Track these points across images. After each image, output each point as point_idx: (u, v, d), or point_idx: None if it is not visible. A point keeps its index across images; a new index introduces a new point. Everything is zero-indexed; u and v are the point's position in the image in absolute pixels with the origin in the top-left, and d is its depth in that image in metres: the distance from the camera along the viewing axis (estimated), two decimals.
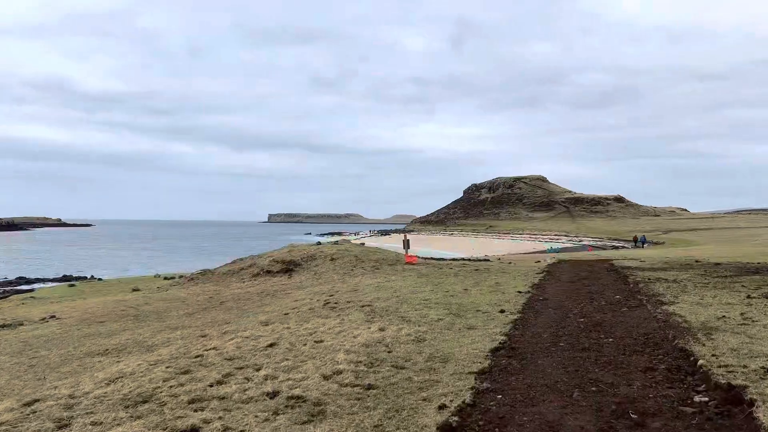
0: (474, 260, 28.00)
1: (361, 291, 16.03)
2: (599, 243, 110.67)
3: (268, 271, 23.19)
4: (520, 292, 14.64)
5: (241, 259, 28.16)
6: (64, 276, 47.27)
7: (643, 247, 62.05)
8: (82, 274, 48.59)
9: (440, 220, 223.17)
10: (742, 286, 13.92)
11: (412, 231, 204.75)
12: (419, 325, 10.29)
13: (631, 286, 14.75)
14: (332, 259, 23.53)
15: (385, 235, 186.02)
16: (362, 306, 12.73)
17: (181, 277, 27.75)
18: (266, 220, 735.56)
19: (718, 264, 20.99)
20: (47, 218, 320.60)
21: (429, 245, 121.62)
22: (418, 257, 29.71)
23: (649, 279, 15.94)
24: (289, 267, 23.25)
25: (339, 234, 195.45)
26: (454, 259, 29.17)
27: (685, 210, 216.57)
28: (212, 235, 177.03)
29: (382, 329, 9.94)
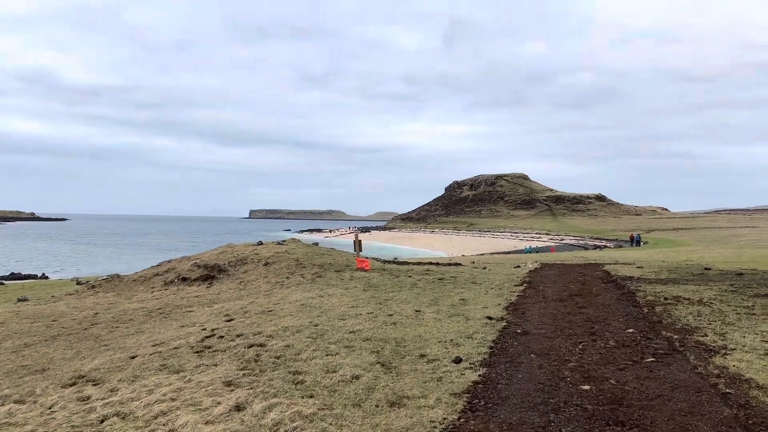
0: (443, 264, 23.79)
1: (276, 313, 11.70)
2: (580, 242, 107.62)
3: (184, 279, 18.72)
4: (490, 318, 10.41)
5: (169, 261, 23.63)
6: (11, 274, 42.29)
7: (639, 245, 60.23)
8: (32, 272, 43.72)
9: (422, 217, 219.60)
10: None
11: (393, 228, 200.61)
12: (310, 397, 6.01)
13: (645, 310, 10.57)
14: (266, 264, 19.13)
15: (365, 231, 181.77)
16: (249, 346, 8.40)
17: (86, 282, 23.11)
18: (247, 216, 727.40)
19: (740, 274, 16.97)
20: (20, 212, 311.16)
21: (406, 243, 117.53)
22: (380, 260, 25.45)
23: (665, 298, 11.79)
24: (210, 274, 18.80)
25: (318, 230, 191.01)
26: (420, 263, 24.97)
27: (666, 209, 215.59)
28: (186, 232, 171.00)
29: (238, 408, 5.64)
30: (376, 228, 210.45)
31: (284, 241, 24.83)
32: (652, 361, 7.03)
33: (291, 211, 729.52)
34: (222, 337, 9.36)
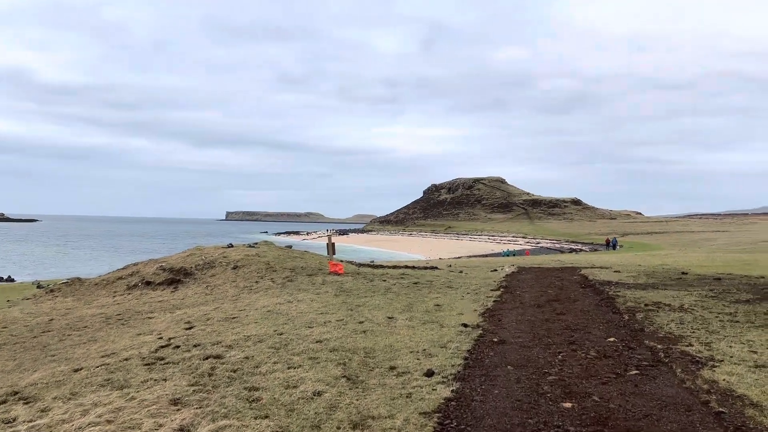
0: (419, 268, 23.28)
1: (240, 320, 11.05)
2: (556, 245, 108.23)
3: (149, 282, 17.91)
4: (465, 325, 9.89)
5: (135, 264, 22.73)
6: None
7: (615, 249, 60.67)
8: None
9: (399, 220, 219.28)
10: None
11: (371, 231, 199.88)
12: (265, 417, 5.41)
13: (625, 317, 10.17)
14: (235, 268, 18.41)
15: (343, 234, 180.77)
16: (205, 358, 7.76)
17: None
18: (224, 217, 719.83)
19: (718, 279, 16.76)
20: None
21: (384, 246, 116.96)
22: (355, 263, 24.86)
23: (645, 304, 11.42)
24: (176, 278, 18.02)
25: (296, 233, 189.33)
26: (395, 266, 24.41)
27: (640, 213, 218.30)
28: (160, 233, 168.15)
29: (180, 430, 5.01)
30: (354, 230, 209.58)
31: (256, 243, 24.09)
32: (636, 374, 6.57)
33: (268, 213, 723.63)
34: (178, 347, 8.69)
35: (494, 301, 12.88)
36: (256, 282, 16.97)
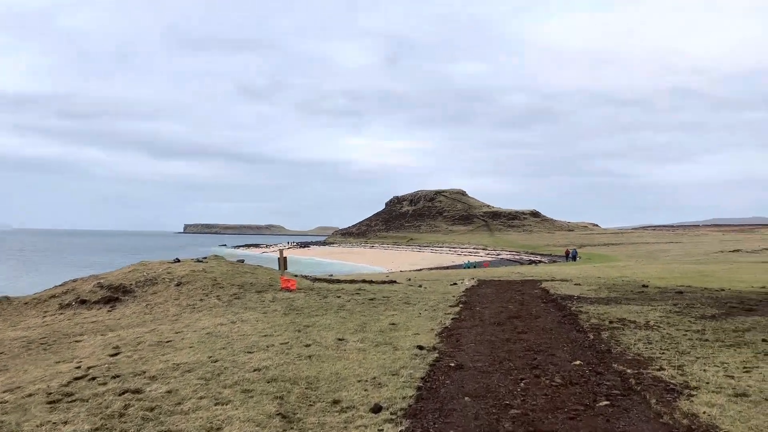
0: (377, 282, 22.46)
1: (174, 344, 10.01)
2: (516, 257, 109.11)
3: (83, 301, 16.55)
4: (420, 347, 9.10)
5: (74, 281, 21.20)
6: None
7: (575, 260, 61.28)
8: None
9: (361, 232, 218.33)
10: (755, 335, 9.08)
11: (333, 243, 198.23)
12: None
13: (590, 336, 9.56)
14: (179, 284, 17.22)
15: (304, 247, 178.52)
16: (121, 393, 6.75)
17: None
18: (182, 230, 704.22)
19: (680, 293, 16.47)
20: None
21: (345, 258, 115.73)
22: (310, 277, 23.87)
23: (610, 321, 10.86)
24: (114, 295, 16.72)
25: (255, 245, 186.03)
26: (353, 281, 23.52)
27: (597, 225, 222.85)
28: (112, 247, 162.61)
29: None
30: (316, 243, 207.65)
31: (205, 258, 22.85)
32: (606, 405, 5.89)
33: (228, 225, 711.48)
34: (94, 378, 7.62)
35: (453, 319, 12.15)
36: (201, 300, 15.85)
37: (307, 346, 9.46)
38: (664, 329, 9.85)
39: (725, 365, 7.17)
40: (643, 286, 19.61)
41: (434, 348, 9.05)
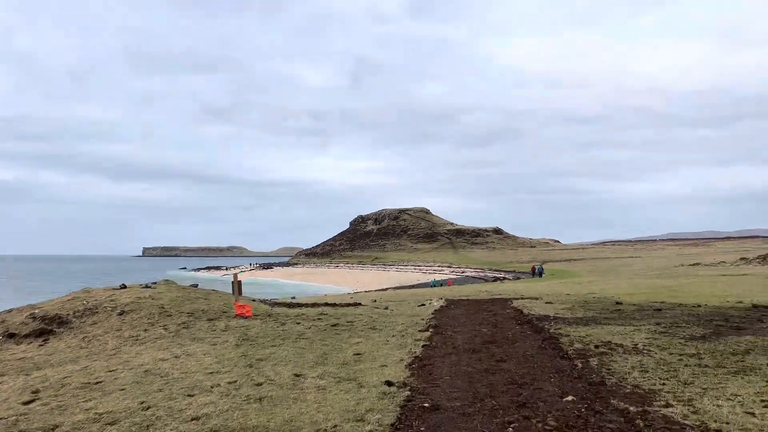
0: (341, 305, 21.22)
1: (103, 386, 8.63)
2: (480, 274, 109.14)
3: (12, 335, 14.84)
4: (389, 384, 7.96)
5: (8, 311, 19.29)
6: None
7: (541, 276, 61.18)
8: None
9: (326, 252, 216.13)
10: (756, 358, 8.26)
11: (297, 264, 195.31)
12: None
13: (578, 364, 8.58)
14: (122, 314, 15.65)
15: (267, 268, 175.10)
16: None
17: None
18: (141, 254, 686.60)
19: (658, 310, 15.77)
20: None
21: (309, 279, 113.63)
22: (269, 302, 22.48)
23: (595, 345, 9.92)
24: (48, 327, 15.05)
25: (216, 268, 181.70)
26: (315, 304, 22.22)
27: (558, 241, 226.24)
28: (63, 272, 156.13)
29: None
30: (279, 264, 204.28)
31: (155, 283, 21.23)
32: None
33: (188, 248, 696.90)
34: None
35: (423, 346, 11.05)
36: (145, 330, 14.35)
37: (259, 385, 8.21)
38: (656, 354, 8.96)
39: (739, 398, 6.27)
40: (617, 303, 18.94)
41: (405, 384, 7.91)
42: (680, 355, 8.80)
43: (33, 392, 8.77)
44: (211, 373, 9.12)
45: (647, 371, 7.81)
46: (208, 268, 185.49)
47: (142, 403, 7.44)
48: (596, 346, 9.77)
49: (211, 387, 8.15)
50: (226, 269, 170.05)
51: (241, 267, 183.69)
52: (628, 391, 6.88)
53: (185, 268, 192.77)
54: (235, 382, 8.43)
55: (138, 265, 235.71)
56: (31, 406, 7.80)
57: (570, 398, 6.77)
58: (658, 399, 6.44)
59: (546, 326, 12.75)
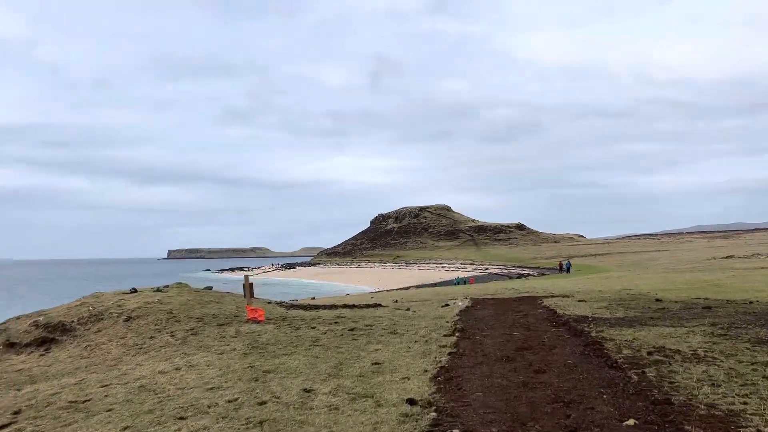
0: (360, 307, 20.15)
1: (90, 406, 7.67)
2: (504, 270, 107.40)
3: (13, 344, 14.06)
4: (412, 402, 6.85)
5: (17, 318, 18.61)
6: None
7: (569, 272, 59.64)
8: None
9: (347, 251, 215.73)
10: None
11: (319, 263, 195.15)
12: None
13: (632, 376, 7.35)
14: (128, 320, 14.78)
15: (289, 268, 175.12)
16: None
17: None
18: (166, 256, 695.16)
19: (708, 308, 14.38)
20: None
21: (330, 278, 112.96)
22: (285, 304, 21.50)
23: (648, 352, 8.68)
24: (50, 336, 14.24)
25: (239, 269, 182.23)
26: (333, 305, 21.17)
27: (582, 236, 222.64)
28: (90, 276, 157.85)
29: None
30: (301, 264, 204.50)
31: (167, 286, 20.39)
32: None
33: (212, 250, 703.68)
34: None
35: (450, 353, 9.91)
36: (151, 338, 13.44)
37: (262, 404, 7.16)
38: (723, 362, 7.70)
39: None
40: (657, 300, 17.56)
41: (430, 403, 6.78)
42: (752, 363, 7.54)
43: (14, 413, 7.85)
44: (211, 389, 8.10)
45: (719, 385, 6.58)
46: (231, 269, 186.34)
47: (125, 429, 6.44)
48: (649, 353, 8.53)
49: (208, 407, 7.12)
50: (249, 270, 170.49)
51: (263, 267, 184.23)
52: (702, 412, 5.66)
53: (209, 270, 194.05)
54: (236, 400, 7.39)
55: (162, 268, 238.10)
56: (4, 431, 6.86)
57: (631, 422, 5.58)
58: (744, 424, 5.23)
59: (585, 328, 11.51)
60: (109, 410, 7.37)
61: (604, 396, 6.61)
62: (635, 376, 7.24)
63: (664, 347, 8.92)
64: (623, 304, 16.80)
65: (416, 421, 6.10)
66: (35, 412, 7.75)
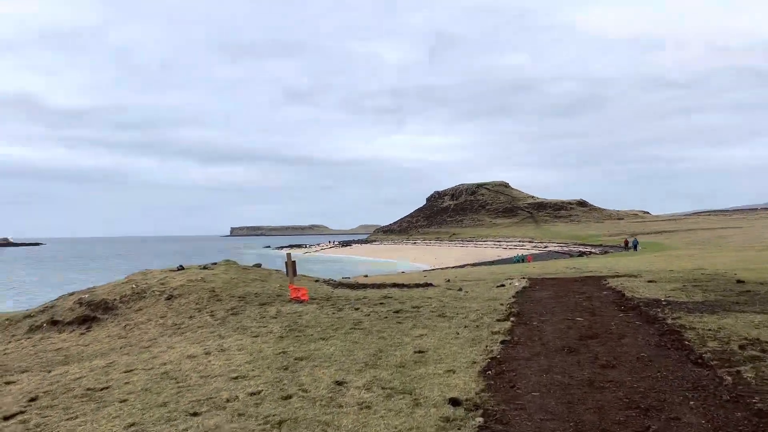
0: (409, 286, 19.22)
1: (105, 396, 7.09)
2: (564, 248, 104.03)
3: (56, 322, 13.94)
4: (455, 402, 5.86)
5: (70, 294, 18.74)
6: None
7: (636, 250, 57.10)
8: None
9: (403, 229, 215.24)
10: None
11: (375, 241, 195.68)
12: None
13: (726, 376, 6.10)
14: (170, 298, 14.41)
15: (346, 245, 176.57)
16: None
17: None
18: (229, 233, 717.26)
19: None
20: None
21: (386, 255, 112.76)
22: (332, 282, 20.82)
23: (740, 347, 7.31)
24: (92, 314, 14.04)
25: (298, 246, 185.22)
26: (382, 284, 20.30)
27: (647, 213, 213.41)
28: (155, 252, 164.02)
29: None
30: (358, 241, 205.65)
31: (215, 263, 20.08)
32: None
33: (273, 227, 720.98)
34: None
35: (503, 342, 8.83)
36: (191, 317, 12.99)
37: (287, 398, 6.35)
38: None
39: None
40: (739, 281, 15.78)
41: (476, 405, 5.77)
42: None
43: (30, 400, 7.37)
44: (235, 378, 7.37)
45: None
46: (291, 246, 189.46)
47: (131, 425, 5.77)
48: (741, 346, 7.19)
49: (226, 401, 6.38)
50: (308, 247, 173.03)
51: (321, 244, 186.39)
52: None
53: (269, 246, 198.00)
54: (259, 393, 6.62)
55: (225, 244, 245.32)
56: (8, 423, 6.34)
57: None
58: None
59: (659, 314, 10.15)
60: (123, 401, 6.75)
61: (691, 402, 5.41)
62: (728, 377, 5.98)
63: (758, 339, 7.55)
64: (700, 285, 15.15)
65: (458, 430, 5.11)
66: (50, 400, 7.24)
